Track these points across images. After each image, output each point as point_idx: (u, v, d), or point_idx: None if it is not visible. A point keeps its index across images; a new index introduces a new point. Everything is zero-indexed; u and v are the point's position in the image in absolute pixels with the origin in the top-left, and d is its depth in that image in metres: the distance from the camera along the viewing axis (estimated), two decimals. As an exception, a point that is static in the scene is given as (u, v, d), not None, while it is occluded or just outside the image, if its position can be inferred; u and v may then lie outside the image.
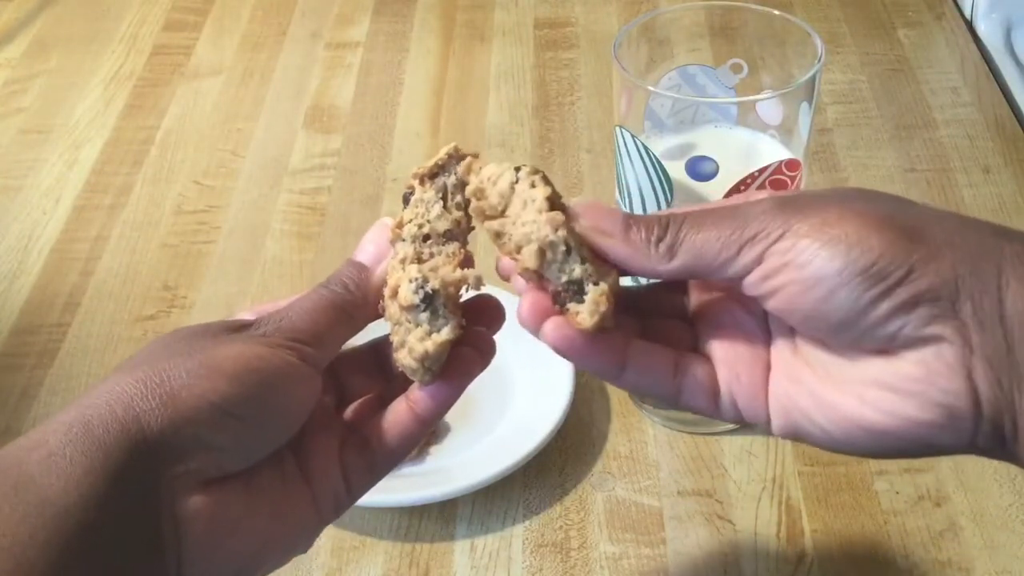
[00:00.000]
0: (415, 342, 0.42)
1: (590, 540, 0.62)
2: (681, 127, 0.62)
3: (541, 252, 0.41)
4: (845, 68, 0.98)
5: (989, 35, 1.01)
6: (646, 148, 0.59)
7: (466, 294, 0.44)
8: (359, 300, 0.45)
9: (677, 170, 0.59)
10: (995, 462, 0.64)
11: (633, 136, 0.59)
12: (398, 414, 0.44)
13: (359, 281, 0.45)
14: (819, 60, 0.58)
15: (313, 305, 0.44)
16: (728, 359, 0.43)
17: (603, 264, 0.42)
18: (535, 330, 0.41)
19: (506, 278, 0.43)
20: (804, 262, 0.38)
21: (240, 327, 0.42)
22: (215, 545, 0.39)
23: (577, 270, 0.41)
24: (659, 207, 0.59)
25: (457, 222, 0.46)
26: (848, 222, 0.38)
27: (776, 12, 0.62)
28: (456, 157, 0.45)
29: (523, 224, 0.41)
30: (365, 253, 0.46)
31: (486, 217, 0.42)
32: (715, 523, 0.62)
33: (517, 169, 0.43)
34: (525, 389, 0.68)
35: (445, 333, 0.42)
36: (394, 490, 0.63)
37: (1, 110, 0.98)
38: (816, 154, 0.88)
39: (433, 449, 0.66)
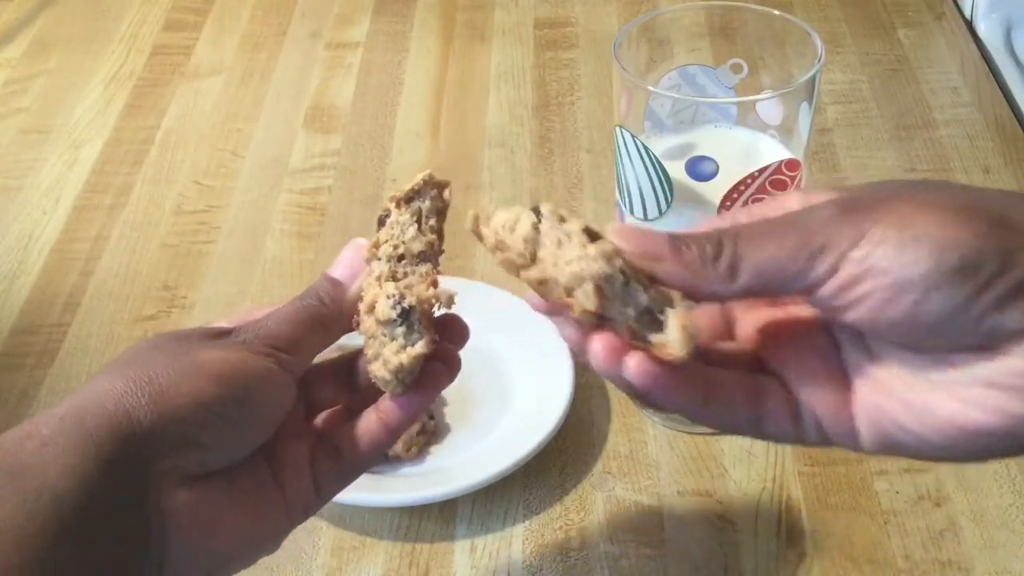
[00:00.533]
0: (390, 355, 0.45)
1: (590, 540, 0.62)
2: (681, 127, 0.62)
3: (599, 290, 0.38)
4: (845, 68, 0.98)
5: (989, 35, 1.01)
6: (646, 148, 0.59)
7: (438, 311, 0.46)
8: (334, 313, 0.47)
9: (677, 170, 0.59)
10: (995, 462, 0.64)
11: (633, 136, 0.59)
12: (369, 423, 0.47)
13: (334, 296, 0.47)
14: (819, 60, 0.58)
15: (290, 316, 0.46)
16: (803, 377, 0.40)
17: (662, 288, 0.39)
18: (614, 372, 0.39)
19: (546, 312, 0.41)
20: (888, 268, 0.36)
21: (220, 334, 0.44)
22: (195, 540, 0.41)
23: (643, 298, 0.38)
24: (659, 207, 0.59)
25: (430, 244, 0.48)
26: (927, 217, 0.36)
27: (776, 12, 0.62)
28: (431, 184, 0.48)
29: (567, 264, 0.38)
30: (340, 270, 0.48)
31: (518, 268, 0.39)
32: (715, 523, 0.62)
33: (535, 210, 0.40)
34: (525, 389, 0.68)
35: (420, 347, 0.45)
36: (394, 490, 0.63)
37: (1, 110, 0.98)
38: (816, 154, 0.88)
39: (433, 449, 0.66)
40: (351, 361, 0.48)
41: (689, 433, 0.67)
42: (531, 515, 0.63)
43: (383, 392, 0.47)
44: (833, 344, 0.41)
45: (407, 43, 1.04)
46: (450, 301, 0.47)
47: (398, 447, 0.65)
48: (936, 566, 0.60)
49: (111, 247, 0.83)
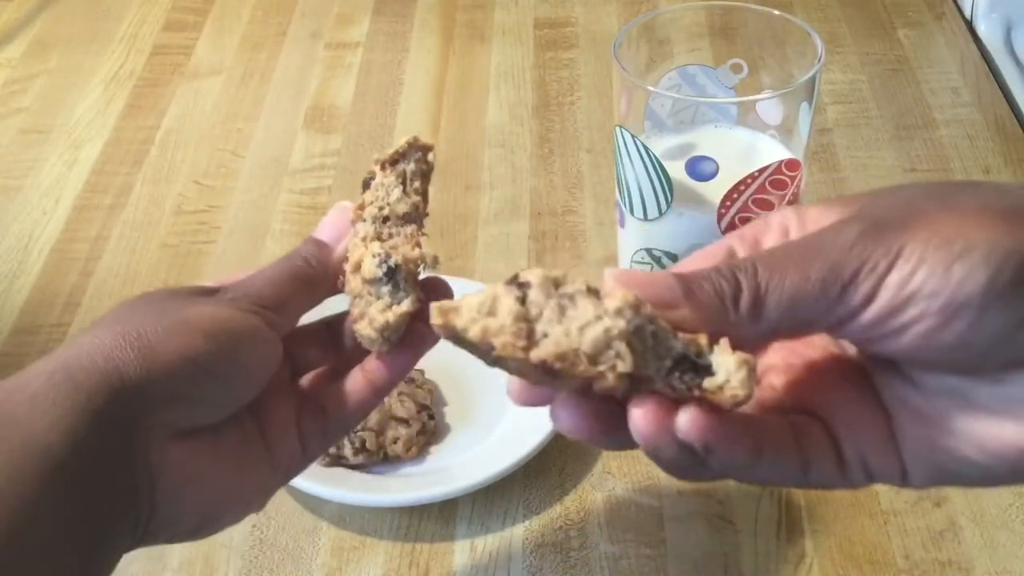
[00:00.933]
0: (376, 313, 0.45)
1: (590, 540, 0.62)
2: (681, 127, 0.62)
3: (631, 347, 0.34)
4: (845, 68, 0.98)
5: (989, 35, 1.01)
6: (646, 148, 0.59)
7: (423, 273, 0.47)
8: (319, 274, 0.47)
9: (677, 170, 0.59)
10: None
11: (633, 136, 0.59)
12: (355, 383, 0.47)
13: (320, 257, 0.47)
14: (819, 60, 0.58)
15: (277, 276, 0.46)
16: (841, 417, 0.37)
17: (685, 332, 0.34)
18: (661, 439, 0.35)
19: (537, 403, 0.38)
20: (936, 290, 0.32)
21: (207, 292, 0.45)
22: (183, 494, 0.41)
23: (678, 345, 0.34)
24: (659, 207, 0.59)
25: (415, 206, 0.48)
26: (969, 227, 0.33)
27: (776, 12, 0.62)
28: (415, 146, 0.48)
29: (585, 329, 0.34)
30: (325, 232, 0.48)
31: (523, 350, 0.34)
32: (715, 523, 0.62)
33: (514, 282, 0.35)
34: (525, 389, 0.68)
35: (405, 305, 0.45)
36: (394, 490, 0.63)
37: (1, 110, 0.98)
38: (816, 154, 0.88)
39: (433, 449, 0.66)
40: (336, 323, 0.49)
41: (689, 433, 0.67)
42: (531, 515, 0.63)
43: (368, 353, 0.47)
44: (865, 376, 0.38)
45: (407, 43, 1.04)
46: (435, 262, 0.47)
47: (398, 447, 0.65)
48: (936, 566, 0.60)
49: (111, 247, 0.83)
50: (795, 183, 0.59)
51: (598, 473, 0.65)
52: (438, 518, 0.63)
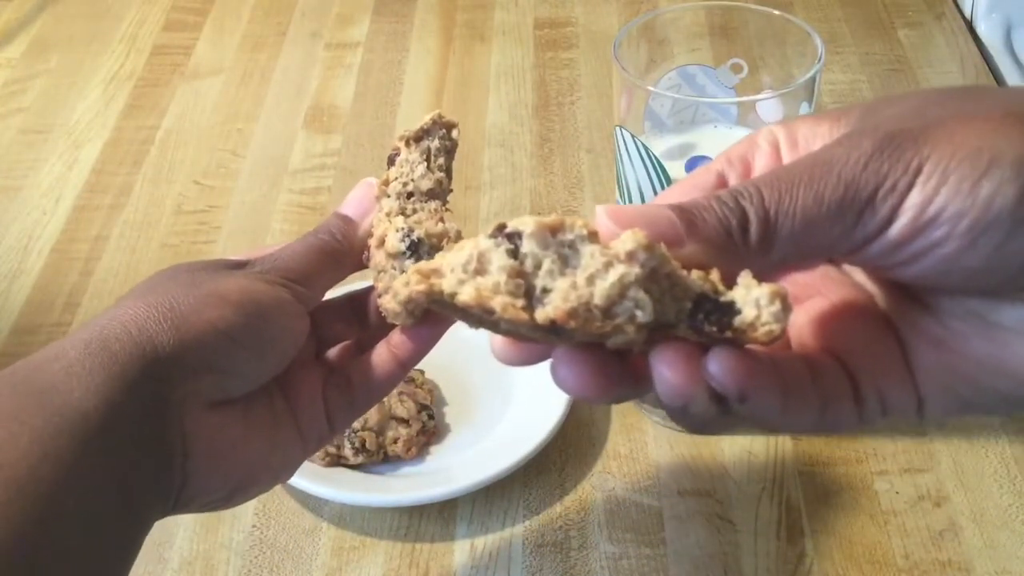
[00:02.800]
0: (400, 287, 0.43)
1: (590, 540, 0.62)
2: (681, 127, 0.62)
3: (650, 294, 0.30)
4: (845, 68, 0.98)
5: (989, 35, 1.00)
6: (646, 148, 0.59)
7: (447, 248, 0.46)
8: (345, 248, 0.48)
9: (677, 170, 0.59)
10: (995, 462, 0.64)
11: (633, 136, 0.59)
12: (380, 356, 0.47)
13: (345, 231, 0.48)
14: (819, 60, 0.58)
15: (304, 250, 0.47)
16: (855, 348, 0.34)
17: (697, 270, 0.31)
18: (690, 389, 0.31)
19: (528, 361, 0.35)
20: (962, 209, 0.30)
21: (236, 264, 0.46)
22: (215, 464, 0.42)
23: (695, 284, 0.31)
24: (659, 207, 0.59)
25: (439, 182, 0.49)
26: (994, 136, 0.30)
27: (776, 12, 0.62)
28: (440, 123, 0.49)
29: (595, 280, 0.30)
30: (351, 208, 0.49)
31: (525, 311, 0.31)
32: (715, 523, 0.62)
33: (501, 233, 0.31)
34: (525, 389, 0.68)
35: (410, 292, 0.45)
36: (394, 490, 0.63)
37: (1, 110, 0.98)
38: (816, 154, 0.88)
39: (433, 449, 0.66)
40: (361, 297, 0.49)
41: (689, 433, 0.67)
42: (531, 515, 0.63)
43: (393, 327, 0.48)
44: (876, 305, 0.35)
45: (407, 43, 1.04)
46: (458, 236, 0.47)
47: (398, 447, 0.65)
48: (936, 566, 0.60)
49: (111, 247, 0.83)
50: (795, 183, 0.59)
51: (598, 473, 0.65)
52: (438, 518, 0.63)
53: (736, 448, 0.66)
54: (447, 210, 0.48)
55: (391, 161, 0.50)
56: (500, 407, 0.68)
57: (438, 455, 0.66)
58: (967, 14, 1.03)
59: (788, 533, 0.62)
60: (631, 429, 0.68)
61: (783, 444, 0.66)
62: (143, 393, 0.39)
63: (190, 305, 0.42)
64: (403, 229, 0.46)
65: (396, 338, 0.47)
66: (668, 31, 0.64)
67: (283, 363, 0.45)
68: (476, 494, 0.64)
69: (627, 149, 0.60)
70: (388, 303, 0.45)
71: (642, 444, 0.67)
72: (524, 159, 0.89)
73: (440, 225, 0.47)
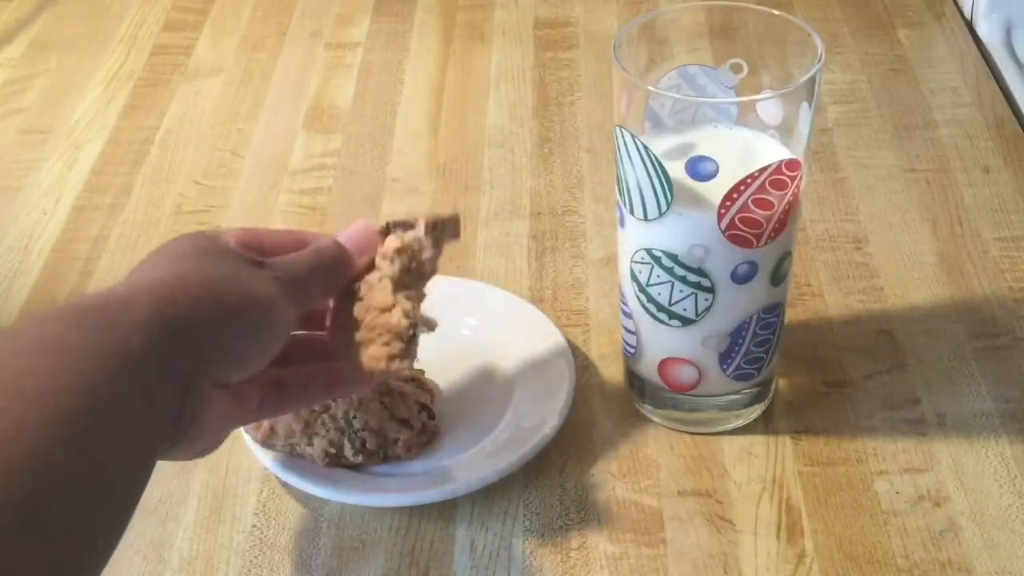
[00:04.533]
0: (378, 353, 0.54)
1: (590, 540, 0.62)
2: (681, 127, 0.62)
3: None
4: (845, 68, 0.98)
5: (989, 35, 1.01)
6: (646, 148, 0.59)
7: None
8: (340, 280, 0.56)
9: (677, 170, 0.59)
10: (995, 462, 0.64)
11: (633, 136, 0.59)
12: (316, 375, 0.57)
13: (344, 266, 0.56)
14: (819, 60, 0.58)
15: (310, 271, 0.54)
16: None
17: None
18: None
19: None
20: None
21: (255, 262, 0.52)
22: (202, 434, 0.49)
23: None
24: (659, 207, 0.59)
25: (432, 271, 0.56)
26: None
27: (776, 12, 0.62)
28: (453, 219, 0.58)
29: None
30: (351, 243, 0.56)
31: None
32: (715, 523, 0.62)
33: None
34: (525, 389, 0.68)
35: (404, 365, 0.53)
36: (394, 490, 0.63)
37: (1, 110, 0.98)
38: (816, 154, 0.88)
39: (433, 449, 0.66)
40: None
41: (689, 433, 0.67)
42: (531, 515, 0.63)
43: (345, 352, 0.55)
44: None
45: (407, 43, 1.04)
46: (432, 327, 0.55)
47: (398, 447, 0.65)
48: (936, 566, 0.60)
49: (111, 247, 0.83)
50: (795, 183, 0.59)
51: (598, 473, 0.65)
52: (438, 518, 0.63)
53: (736, 448, 0.66)
54: (423, 297, 0.56)
55: (404, 228, 0.56)
56: (500, 407, 0.68)
57: (438, 455, 0.66)
58: (967, 14, 1.03)
59: (788, 533, 0.62)
60: (631, 429, 0.68)
61: (783, 444, 0.66)
62: (177, 353, 0.46)
63: (232, 298, 0.49)
64: (411, 318, 0.54)
65: (337, 371, 0.57)
66: (668, 31, 0.64)
67: (268, 362, 0.52)
68: (476, 494, 0.64)
69: (627, 149, 0.60)
70: (367, 360, 0.54)
71: (642, 444, 0.67)
72: (524, 159, 0.89)
73: (426, 315, 0.55)
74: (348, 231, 0.56)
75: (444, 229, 0.57)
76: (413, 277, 0.55)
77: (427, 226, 0.56)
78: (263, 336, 0.50)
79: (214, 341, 0.48)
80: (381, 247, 0.56)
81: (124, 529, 0.44)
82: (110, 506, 0.42)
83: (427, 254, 0.56)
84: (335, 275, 0.55)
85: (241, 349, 0.49)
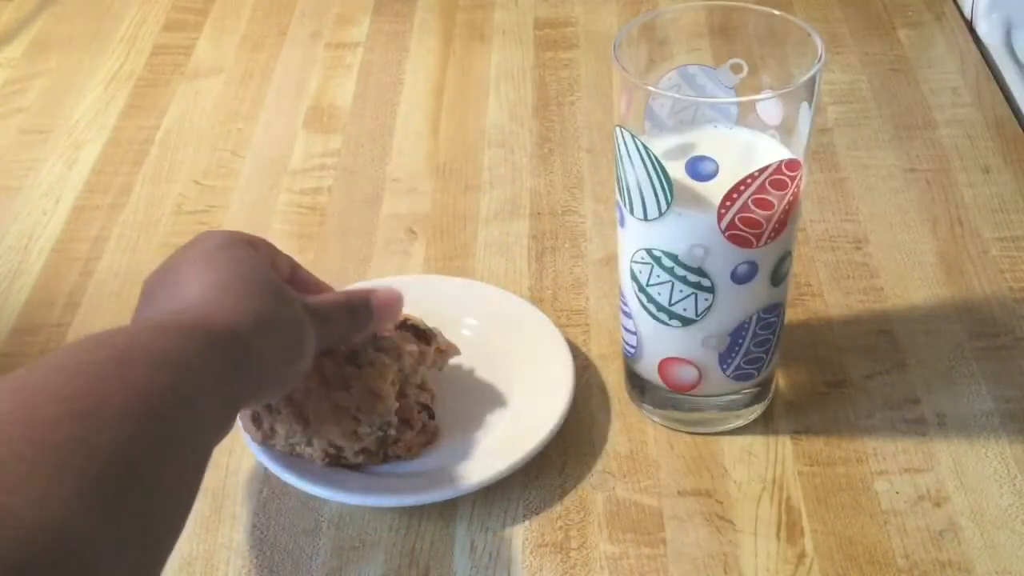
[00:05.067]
0: (351, 428, 0.63)
1: (590, 540, 0.62)
2: (681, 127, 0.62)
3: None
4: (845, 68, 0.98)
5: (989, 35, 1.01)
6: (646, 148, 0.59)
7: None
8: (362, 328, 0.62)
9: (677, 170, 0.59)
10: (995, 462, 0.64)
11: (633, 136, 0.59)
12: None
13: (370, 315, 0.61)
14: (819, 60, 0.58)
15: (339, 304, 0.60)
16: None
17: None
18: None
19: None
20: None
21: (291, 288, 0.56)
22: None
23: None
24: (659, 207, 0.59)
25: (423, 385, 0.67)
26: None
27: (776, 12, 0.62)
28: (452, 348, 0.68)
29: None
30: (382, 313, 0.62)
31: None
32: (715, 523, 0.62)
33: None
34: (525, 389, 0.68)
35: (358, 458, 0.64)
36: (394, 490, 0.63)
37: (1, 110, 0.98)
38: (816, 154, 0.88)
39: (433, 449, 0.66)
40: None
41: (689, 433, 0.67)
42: (531, 515, 0.63)
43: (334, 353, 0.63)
44: None
45: (407, 43, 1.04)
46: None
47: (398, 447, 0.65)
48: (936, 566, 0.60)
49: (111, 247, 0.83)
50: (795, 183, 0.59)
51: (598, 473, 0.65)
52: (438, 518, 0.63)
53: (736, 448, 0.66)
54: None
55: (418, 336, 0.65)
56: (500, 407, 0.68)
57: (438, 455, 0.66)
58: (967, 14, 1.03)
59: (788, 533, 0.62)
60: (631, 429, 0.68)
61: (783, 444, 0.66)
62: (238, 386, 0.51)
63: (285, 337, 0.55)
64: (392, 421, 0.64)
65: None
66: (668, 31, 0.64)
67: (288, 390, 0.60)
68: (476, 494, 0.64)
69: (627, 149, 0.60)
70: (337, 437, 0.63)
71: (642, 444, 0.67)
72: (524, 159, 0.89)
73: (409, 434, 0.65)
74: (384, 296, 0.62)
75: (443, 358, 0.68)
76: (410, 384, 0.65)
77: (436, 350, 0.66)
78: (304, 363, 0.56)
79: (271, 373, 0.53)
80: (397, 330, 0.65)
81: (191, 508, 0.46)
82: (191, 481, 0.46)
83: (422, 372, 0.66)
84: (359, 318, 0.60)
85: (288, 376, 0.55)
